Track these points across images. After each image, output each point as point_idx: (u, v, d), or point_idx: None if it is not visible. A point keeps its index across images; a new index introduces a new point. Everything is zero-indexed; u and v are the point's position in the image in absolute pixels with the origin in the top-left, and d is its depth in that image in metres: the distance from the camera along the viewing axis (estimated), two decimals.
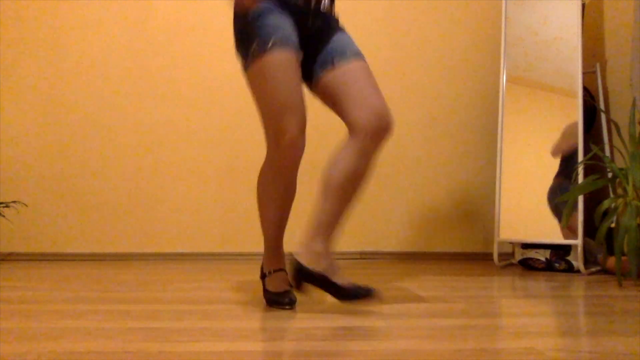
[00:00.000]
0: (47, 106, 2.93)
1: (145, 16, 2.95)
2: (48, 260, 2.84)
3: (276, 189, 1.54)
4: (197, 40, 2.95)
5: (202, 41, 2.95)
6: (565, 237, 2.43)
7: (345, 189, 1.48)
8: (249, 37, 1.47)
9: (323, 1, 1.57)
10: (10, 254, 2.86)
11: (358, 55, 1.56)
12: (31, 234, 2.88)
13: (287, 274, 1.59)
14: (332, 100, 1.56)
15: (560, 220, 2.46)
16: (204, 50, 2.95)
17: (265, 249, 1.62)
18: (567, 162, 2.52)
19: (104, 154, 2.91)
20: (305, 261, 1.49)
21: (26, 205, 2.87)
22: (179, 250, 2.88)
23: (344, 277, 1.49)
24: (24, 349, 1.08)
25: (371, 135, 1.47)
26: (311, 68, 1.58)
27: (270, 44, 1.42)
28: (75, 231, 2.88)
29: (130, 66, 2.94)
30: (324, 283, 1.47)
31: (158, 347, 1.10)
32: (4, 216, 2.81)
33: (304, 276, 1.49)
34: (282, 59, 1.43)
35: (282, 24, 1.46)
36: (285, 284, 1.57)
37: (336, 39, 1.58)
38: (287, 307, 1.50)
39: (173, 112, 2.94)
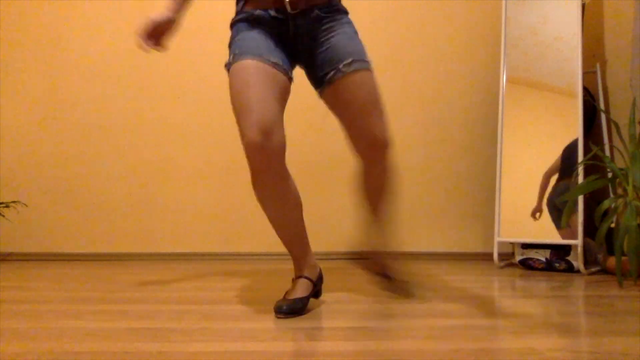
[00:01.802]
0: (47, 106, 2.93)
1: (145, 16, 2.95)
2: (48, 260, 2.84)
3: (259, 192, 1.45)
4: (197, 40, 2.95)
5: (203, 41, 2.95)
6: (564, 237, 2.43)
7: (372, 201, 1.65)
8: None
9: (295, 5, 1.47)
10: (10, 254, 2.86)
11: (355, 64, 1.47)
12: (31, 234, 2.88)
13: (309, 281, 1.53)
14: (336, 118, 1.59)
15: (556, 225, 2.47)
16: (204, 50, 2.95)
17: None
18: (568, 163, 2.52)
19: (104, 154, 2.91)
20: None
21: (26, 205, 2.88)
22: (179, 250, 2.88)
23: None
24: (24, 349, 1.08)
25: (369, 159, 1.55)
26: (314, 76, 1.55)
27: (231, 58, 1.46)
28: (75, 231, 2.88)
29: (130, 66, 2.94)
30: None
31: (158, 347, 1.10)
32: (4, 216, 2.81)
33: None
34: (239, 67, 1.42)
35: (247, 38, 1.46)
36: (299, 291, 1.48)
37: (333, 43, 1.49)
38: (278, 315, 1.41)
39: (173, 112, 2.94)
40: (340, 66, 1.46)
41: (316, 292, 1.60)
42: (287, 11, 1.47)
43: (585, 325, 1.33)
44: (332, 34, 1.50)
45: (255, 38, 1.46)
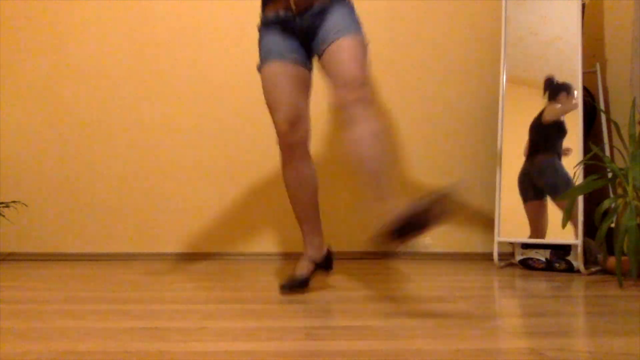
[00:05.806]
0: (47, 106, 2.93)
1: (145, 16, 2.95)
2: (48, 260, 2.84)
3: (284, 171, 1.80)
4: (198, 41, 2.95)
5: (203, 42, 2.95)
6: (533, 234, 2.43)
7: (363, 156, 1.52)
8: None
9: (299, 5, 1.70)
10: (10, 254, 2.86)
11: (339, 33, 1.63)
12: (31, 234, 2.88)
13: (310, 262, 1.82)
14: (328, 83, 1.68)
15: (523, 199, 2.58)
16: (204, 51, 2.95)
17: None
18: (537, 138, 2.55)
19: (104, 153, 2.91)
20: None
21: (26, 205, 2.87)
22: (179, 250, 2.88)
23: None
24: (24, 349, 1.08)
25: (348, 106, 1.55)
26: (314, 55, 1.77)
27: (260, 62, 1.76)
28: (75, 231, 2.88)
29: (130, 66, 2.94)
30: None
31: (158, 347, 1.10)
32: (4, 216, 2.81)
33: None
34: (267, 71, 1.73)
35: (268, 41, 1.74)
36: (298, 270, 1.80)
37: (326, 23, 1.68)
38: (282, 291, 1.74)
39: (173, 112, 2.94)
40: (328, 40, 1.65)
41: (327, 266, 1.90)
42: (292, 11, 1.70)
43: (585, 325, 1.33)
44: (327, 17, 1.69)
45: (275, 40, 1.72)
